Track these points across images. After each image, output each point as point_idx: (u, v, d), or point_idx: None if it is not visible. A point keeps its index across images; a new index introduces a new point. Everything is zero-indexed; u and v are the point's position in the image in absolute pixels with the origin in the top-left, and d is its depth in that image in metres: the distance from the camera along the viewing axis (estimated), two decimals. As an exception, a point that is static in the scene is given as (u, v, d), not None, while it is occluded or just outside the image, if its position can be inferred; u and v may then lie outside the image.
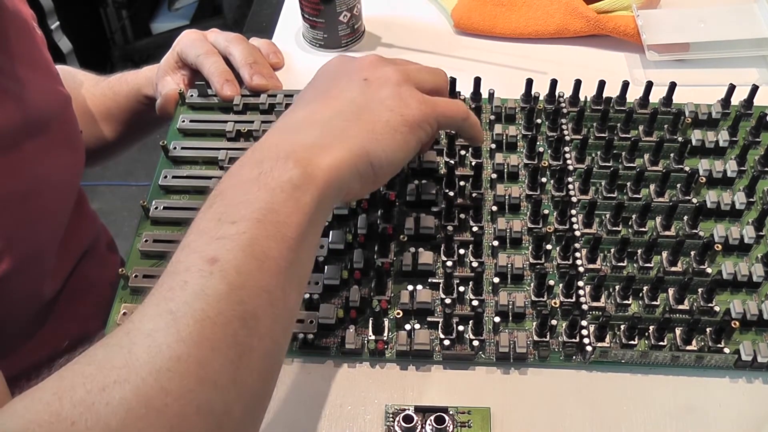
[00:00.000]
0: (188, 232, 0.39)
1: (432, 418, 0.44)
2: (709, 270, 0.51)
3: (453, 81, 0.62)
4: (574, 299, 0.50)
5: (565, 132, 0.59)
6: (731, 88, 0.60)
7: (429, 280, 0.51)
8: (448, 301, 0.50)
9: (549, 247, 0.52)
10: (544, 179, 0.56)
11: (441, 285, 0.50)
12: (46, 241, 0.60)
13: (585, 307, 0.49)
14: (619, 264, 0.51)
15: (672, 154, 0.57)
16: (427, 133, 0.46)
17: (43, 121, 0.58)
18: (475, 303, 0.50)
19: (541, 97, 0.62)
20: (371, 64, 0.48)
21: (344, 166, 0.42)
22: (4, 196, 0.53)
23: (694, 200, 0.55)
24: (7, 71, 0.55)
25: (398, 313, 0.49)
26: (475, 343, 0.48)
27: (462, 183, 0.56)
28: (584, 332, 0.48)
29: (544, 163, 0.57)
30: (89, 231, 0.70)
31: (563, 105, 0.61)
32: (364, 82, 0.46)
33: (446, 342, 0.48)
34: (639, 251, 0.52)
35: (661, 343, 0.47)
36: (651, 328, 0.48)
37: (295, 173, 0.39)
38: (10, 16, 0.56)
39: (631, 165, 0.57)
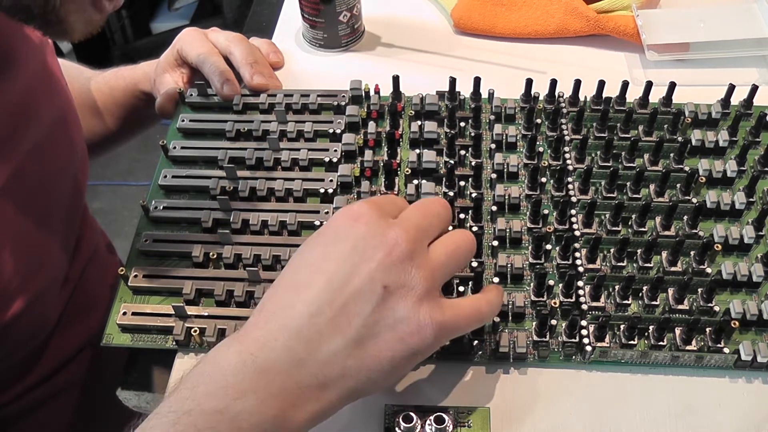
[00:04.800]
0: (147, 425, 0.36)
1: (432, 418, 0.44)
2: (708, 270, 0.51)
3: (453, 81, 0.62)
4: (573, 299, 0.50)
5: (565, 132, 0.59)
6: (731, 88, 0.60)
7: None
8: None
9: (549, 247, 0.52)
10: (543, 179, 0.56)
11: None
12: (57, 267, 0.59)
13: (585, 306, 0.49)
14: (618, 264, 0.51)
15: (672, 154, 0.57)
16: (429, 354, 0.41)
17: (50, 139, 0.57)
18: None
19: (541, 97, 0.62)
20: (398, 261, 0.39)
21: (329, 411, 0.39)
22: (19, 223, 0.53)
23: (694, 200, 0.55)
24: (18, 86, 0.53)
25: (398, 313, 0.49)
26: (475, 342, 0.48)
27: (462, 183, 0.56)
28: (584, 332, 0.48)
29: (544, 163, 0.57)
30: (91, 242, 0.70)
31: (563, 105, 0.61)
32: (382, 292, 0.38)
33: (447, 342, 0.48)
34: (639, 251, 0.52)
35: (660, 343, 0.47)
36: (651, 328, 0.48)
37: (270, 426, 0.36)
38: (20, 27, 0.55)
39: (631, 165, 0.57)
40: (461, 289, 0.50)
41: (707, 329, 0.48)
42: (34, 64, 0.56)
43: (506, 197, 0.56)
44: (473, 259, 0.52)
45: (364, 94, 0.63)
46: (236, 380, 0.36)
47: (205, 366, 0.38)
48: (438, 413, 0.44)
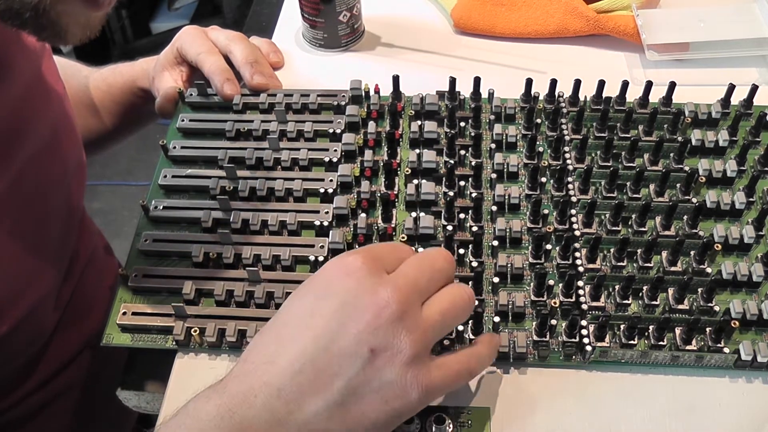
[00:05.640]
0: None
1: (432, 418, 0.44)
2: (708, 270, 0.51)
3: (453, 81, 0.62)
4: (573, 299, 0.50)
5: (565, 132, 0.59)
6: (731, 88, 0.60)
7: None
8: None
9: (549, 246, 0.52)
10: (543, 179, 0.56)
11: (441, 285, 0.50)
12: (53, 276, 0.59)
13: (585, 306, 0.49)
14: (618, 264, 0.51)
15: (672, 154, 0.57)
16: (414, 414, 0.40)
17: (49, 148, 0.57)
18: (474, 303, 0.50)
19: (541, 97, 0.62)
20: (387, 323, 0.38)
21: None
22: (15, 235, 0.53)
23: (694, 200, 0.55)
24: (13, 95, 0.53)
25: (398, 313, 0.49)
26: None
27: (462, 183, 0.56)
28: (584, 332, 0.48)
29: (544, 163, 0.57)
30: (89, 246, 0.69)
31: (563, 105, 0.61)
32: (368, 355, 0.37)
33: (446, 342, 0.48)
34: (639, 251, 0.52)
35: (660, 343, 0.47)
36: (651, 327, 0.48)
37: None
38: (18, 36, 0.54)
39: (631, 165, 0.57)
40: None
41: (707, 329, 0.48)
42: (30, 72, 0.56)
43: (506, 197, 0.56)
44: (473, 259, 0.52)
45: (364, 94, 0.63)
46: (218, 423, 0.36)
47: (184, 418, 0.37)
48: (438, 413, 0.44)
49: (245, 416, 0.36)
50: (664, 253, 0.51)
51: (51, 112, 0.58)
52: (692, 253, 0.52)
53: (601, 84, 0.61)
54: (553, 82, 0.61)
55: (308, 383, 0.37)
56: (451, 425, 0.44)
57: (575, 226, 0.53)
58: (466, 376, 0.42)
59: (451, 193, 0.55)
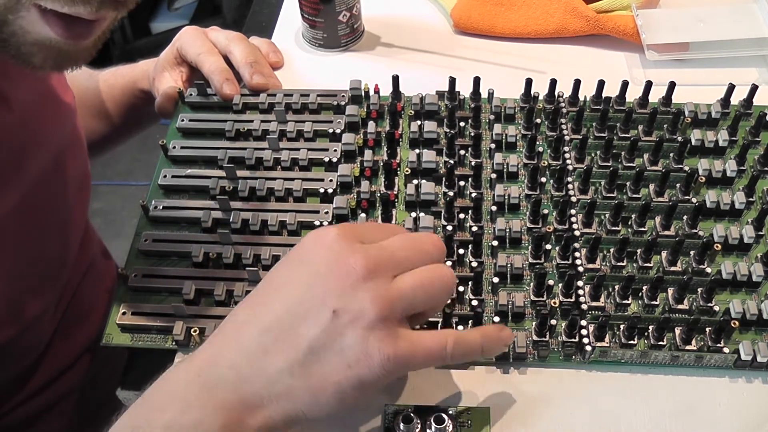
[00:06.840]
0: None
1: (432, 418, 0.44)
2: (708, 270, 0.51)
3: (453, 81, 0.62)
4: (573, 299, 0.50)
5: (565, 132, 0.59)
6: (731, 88, 0.60)
7: (428, 280, 0.51)
8: (447, 300, 0.50)
9: (548, 246, 0.52)
10: (543, 179, 0.56)
11: (441, 285, 0.50)
12: (52, 290, 0.59)
13: (584, 306, 0.49)
14: (618, 264, 0.51)
15: (671, 154, 0.58)
16: (382, 388, 0.40)
17: (58, 161, 0.56)
18: (474, 303, 0.50)
19: (541, 97, 0.62)
20: (350, 287, 0.38)
21: (274, 428, 0.38)
22: (17, 251, 0.53)
23: (694, 200, 0.55)
24: (19, 112, 0.52)
25: (398, 313, 0.49)
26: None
27: (462, 183, 0.56)
28: (584, 332, 0.48)
29: (544, 163, 0.57)
30: (89, 253, 0.69)
31: (563, 105, 0.61)
32: (330, 317, 0.38)
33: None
34: (638, 251, 0.52)
35: (660, 343, 0.47)
36: (650, 327, 0.48)
37: None
38: None
39: (631, 165, 0.57)
40: (461, 289, 0.50)
41: (707, 329, 0.48)
42: (39, 84, 0.56)
43: (506, 197, 0.56)
44: (473, 259, 0.52)
45: (363, 94, 0.63)
46: (182, 396, 0.37)
47: (159, 382, 0.39)
48: (438, 413, 0.44)
49: (212, 376, 0.38)
50: (664, 253, 0.51)
51: (61, 126, 0.58)
52: (692, 253, 0.52)
53: (601, 84, 0.61)
54: (553, 82, 0.61)
55: (272, 342, 0.38)
56: (451, 425, 0.44)
57: (575, 226, 0.53)
58: (437, 356, 0.40)
59: (451, 193, 0.55)
